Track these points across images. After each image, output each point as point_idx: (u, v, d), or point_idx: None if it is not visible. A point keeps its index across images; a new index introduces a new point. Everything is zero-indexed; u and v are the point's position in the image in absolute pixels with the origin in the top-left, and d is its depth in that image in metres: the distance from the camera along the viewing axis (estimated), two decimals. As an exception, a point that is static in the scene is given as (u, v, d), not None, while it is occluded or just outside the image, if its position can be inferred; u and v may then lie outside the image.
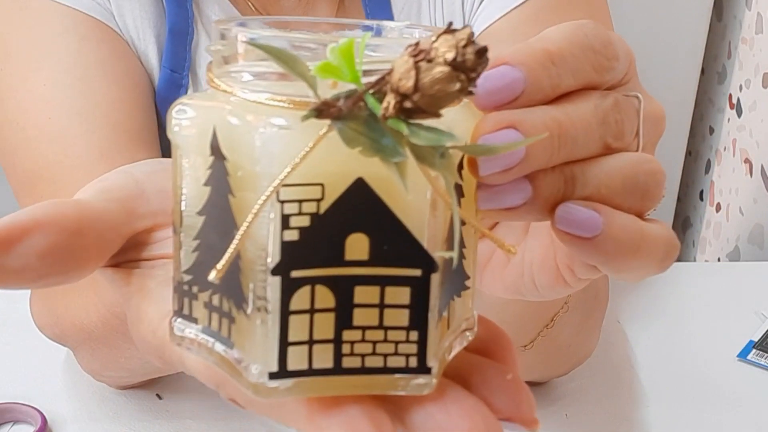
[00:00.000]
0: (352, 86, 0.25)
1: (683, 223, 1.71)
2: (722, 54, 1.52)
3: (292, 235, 0.24)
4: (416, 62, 0.24)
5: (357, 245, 0.25)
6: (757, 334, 0.81)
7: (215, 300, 0.27)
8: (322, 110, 0.24)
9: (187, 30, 0.76)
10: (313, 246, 0.25)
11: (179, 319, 0.29)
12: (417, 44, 0.25)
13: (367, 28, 0.30)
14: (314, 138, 0.24)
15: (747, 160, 1.39)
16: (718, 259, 1.48)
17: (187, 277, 0.28)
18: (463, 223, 0.27)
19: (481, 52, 0.25)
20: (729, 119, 1.48)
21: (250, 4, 0.79)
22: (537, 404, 0.28)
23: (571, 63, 0.30)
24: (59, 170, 0.71)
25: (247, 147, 0.25)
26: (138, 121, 0.74)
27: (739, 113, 1.43)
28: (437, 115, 0.25)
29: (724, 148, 1.49)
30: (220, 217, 0.26)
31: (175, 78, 0.76)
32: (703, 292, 0.89)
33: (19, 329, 0.81)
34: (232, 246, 0.25)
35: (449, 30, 0.25)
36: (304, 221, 0.24)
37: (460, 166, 0.28)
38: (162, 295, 0.31)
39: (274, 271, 0.25)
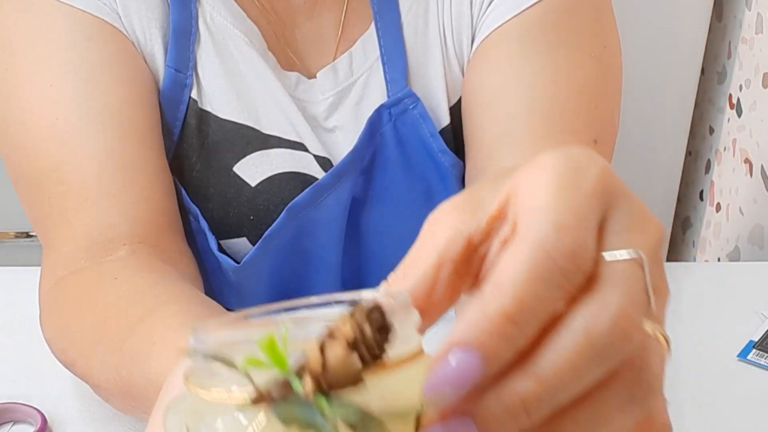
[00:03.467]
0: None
1: (683, 223, 1.71)
2: (722, 54, 1.52)
3: None
4: (321, 344, 0.27)
5: None
6: (757, 334, 0.81)
7: None
8: (258, 399, 0.27)
9: (191, 30, 0.76)
10: None
11: None
12: (330, 326, 0.27)
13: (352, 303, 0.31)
14: (254, 423, 0.27)
15: (747, 160, 1.39)
16: (718, 259, 1.48)
17: None
18: None
19: (384, 329, 0.26)
20: (729, 119, 1.48)
21: (256, 2, 0.79)
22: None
23: (535, 308, 0.27)
24: (68, 171, 0.72)
25: None
26: (145, 121, 0.75)
27: (739, 113, 1.43)
28: (356, 385, 0.27)
29: (724, 148, 1.49)
30: None
31: (179, 77, 0.76)
32: (703, 292, 0.89)
33: (19, 329, 0.81)
34: None
35: (357, 307, 0.27)
36: None
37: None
38: None
39: None
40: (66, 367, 0.68)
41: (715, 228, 1.52)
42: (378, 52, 0.78)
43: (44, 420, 0.70)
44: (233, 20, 0.77)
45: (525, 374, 0.27)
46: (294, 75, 0.79)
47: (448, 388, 0.27)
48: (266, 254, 0.77)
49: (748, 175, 1.38)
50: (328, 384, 0.26)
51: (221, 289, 0.82)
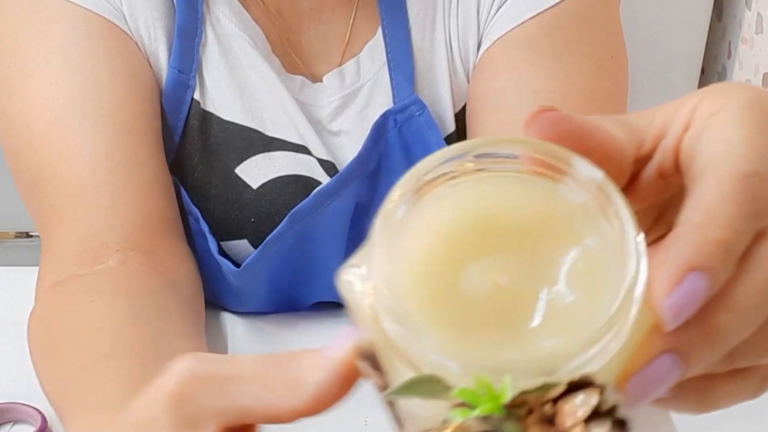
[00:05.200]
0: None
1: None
2: (722, 54, 1.52)
3: None
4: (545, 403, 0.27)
5: None
6: (757, 335, 0.81)
7: None
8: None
9: (196, 31, 0.76)
10: None
11: None
12: (535, 405, 0.27)
13: None
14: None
15: (747, 160, 1.39)
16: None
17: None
18: None
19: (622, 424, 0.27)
20: (729, 119, 1.48)
21: (262, 6, 0.79)
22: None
23: (742, 241, 0.29)
24: (62, 170, 0.72)
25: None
26: (143, 122, 0.75)
27: (739, 113, 1.43)
28: None
29: (724, 148, 1.48)
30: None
31: (182, 78, 0.76)
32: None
33: (19, 329, 0.81)
34: None
35: (579, 387, 0.27)
36: None
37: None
38: None
39: None
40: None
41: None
42: (385, 58, 0.78)
43: (44, 420, 0.70)
44: (238, 22, 0.77)
45: (723, 306, 0.29)
46: (298, 78, 0.79)
47: (685, 310, 0.28)
48: (267, 259, 0.77)
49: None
50: None
51: (221, 291, 0.82)
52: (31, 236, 1.67)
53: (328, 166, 0.78)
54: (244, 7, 0.78)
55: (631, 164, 0.33)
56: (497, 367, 0.27)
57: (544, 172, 0.31)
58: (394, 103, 0.77)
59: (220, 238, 0.79)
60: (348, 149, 0.78)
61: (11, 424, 0.71)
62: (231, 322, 0.83)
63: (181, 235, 0.77)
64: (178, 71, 0.76)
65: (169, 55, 0.76)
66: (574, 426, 0.26)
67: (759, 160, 0.30)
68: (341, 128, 0.80)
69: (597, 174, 0.30)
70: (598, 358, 0.28)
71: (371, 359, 0.31)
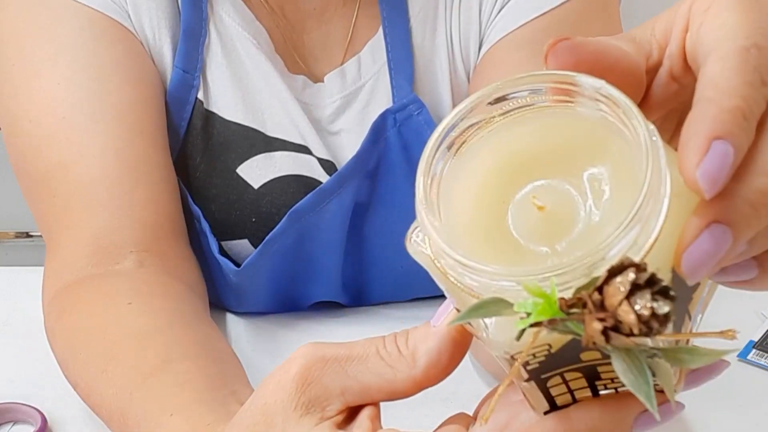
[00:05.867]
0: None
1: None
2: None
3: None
4: (604, 327, 0.29)
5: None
6: (757, 334, 0.81)
7: None
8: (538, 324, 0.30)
9: (201, 31, 0.76)
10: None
11: None
12: (590, 298, 0.29)
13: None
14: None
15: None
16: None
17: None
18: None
19: (663, 316, 0.29)
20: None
21: (265, 6, 0.79)
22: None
23: (755, 109, 0.31)
24: (74, 171, 0.72)
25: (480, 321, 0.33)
26: (151, 122, 0.75)
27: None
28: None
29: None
30: None
31: (186, 78, 0.77)
32: (703, 292, 0.89)
33: (19, 329, 0.81)
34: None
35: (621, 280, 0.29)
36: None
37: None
38: None
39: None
40: (69, 383, 0.68)
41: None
42: (385, 57, 0.78)
43: (44, 420, 0.70)
44: (242, 22, 0.77)
45: (754, 170, 0.31)
46: (300, 78, 0.79)
47: (719, 177, 0.29)
48: (267, 258, 0.77)
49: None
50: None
51: (221, 291, 0.82)
52: (31, 236, 1.67)
53: (328, 166, 0.78)
54: (248, 6, 0.78)
55: (644, 76, 0.35)
56: (543, 275, 0.30)
57: (558, 99, 0.33)
58: (394, 102, 0.78)
59: (220, 238, 0.79)
60: (348, 148, 0.78)
61: (11, 424, 0.71)
62: (231, 322, 0.83)
63: (187, 236, 0.78)
64: (183, 71, 0.76)
65: (174, 55, 0.76)
66: (620, 303, 0.28)
67: (755, 33, 0.32)
68: (342, 128, 0.80)
69: (598, 83, 0.32)
70: (639, 242, 0.30)
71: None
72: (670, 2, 0.36)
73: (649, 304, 0.28)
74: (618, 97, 0.32)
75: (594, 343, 0.29)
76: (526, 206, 0.33)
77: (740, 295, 0.89)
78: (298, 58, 0.80)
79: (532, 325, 0.30)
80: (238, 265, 0.78)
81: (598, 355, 0.32)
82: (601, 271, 0.29)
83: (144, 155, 0.73)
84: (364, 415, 0.38)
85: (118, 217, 0.71)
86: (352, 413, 0.38)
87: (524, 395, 0.36)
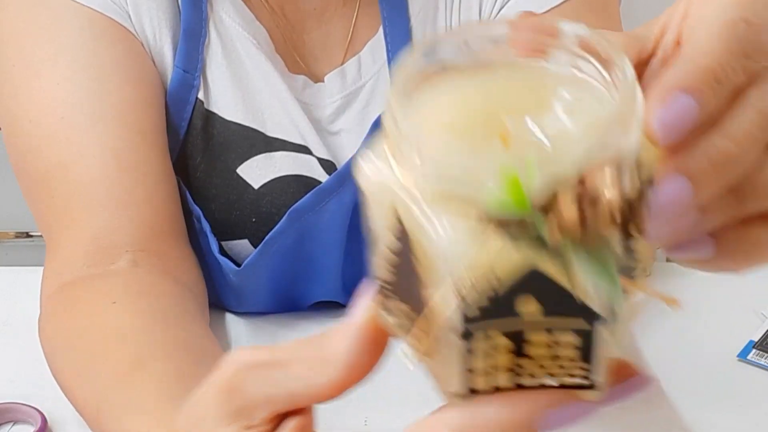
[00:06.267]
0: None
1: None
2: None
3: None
4: (581, 211, 0.28)
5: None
6: (757, 334, 0.81)
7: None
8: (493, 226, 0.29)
9: (201, 31, 0.76)
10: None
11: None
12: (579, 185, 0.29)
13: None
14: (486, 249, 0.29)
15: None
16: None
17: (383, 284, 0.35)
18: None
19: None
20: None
21: (266, 6, 0.79)
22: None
23: (731, 76, 0.30)
24: (74, 171, 0.72)
25: (427, 239, 0.30)
26: (151, 123, 0.75)
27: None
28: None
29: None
30: (408, 267, 0.32)
31: (187, 78, 0.77)
32: (703, 292, 0.89)
33: (19, 329, 0.81)
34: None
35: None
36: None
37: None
38: None
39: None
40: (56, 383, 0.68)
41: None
42: (386, 57, 0.78)
43: (44, 420, 0.70)
44: (242, 22, 0.77)
45: (720, 132, 0.30)
46: (301, 78, 0.79)
47: (676, 127, 0.29)
48: (267, 258, 0.77)
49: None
50: (574, 239, 0.28)
51: (221, 291, 0.82)
52: (31, 236, 1.67)
53: (329, 166, 0.78)
54: (248, 6, 0.78)
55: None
56: (524, 163, 0.29)
57: (535, 42, 0.33)
58: None
59: (220, 238, 0.79)
60: (348, 148, 0.79)
61: (11, 424, 0.71)
62: (231, 322, 0.83)
63: (186, 236, 0.78)
64: (183, 71, 0.76)
65: (174, 55, 0.76)
66: (603, 190, 0.28)
67: (746, 10, 0.31)
68: (342, 128, 0.80)
69: (581, 30, 0.33)
70: (615, 147, 0.29)
71: (402, 239, 0.32)
72: (670, 2, 0.36)
73: (638, 186, 0.28)
74: (599, 43, 0.32)
75: (562, 237, 0.28)
76: (493, 132, 0.32)
77: (740, 295, 0.89)
78: (298, 58, 0.80)
79: (496, 225, 0.29)
80: (238, 265, 0.78)
81: (535, 308, 0.30)
82: (581, 167, 0.29)
83: (144, 155, 0.73)
84: (290, 425, 0.36)
85: (118, 217, 0.72)
86: (283, 419, 0.37)
87: (429, 370, 0.34)
